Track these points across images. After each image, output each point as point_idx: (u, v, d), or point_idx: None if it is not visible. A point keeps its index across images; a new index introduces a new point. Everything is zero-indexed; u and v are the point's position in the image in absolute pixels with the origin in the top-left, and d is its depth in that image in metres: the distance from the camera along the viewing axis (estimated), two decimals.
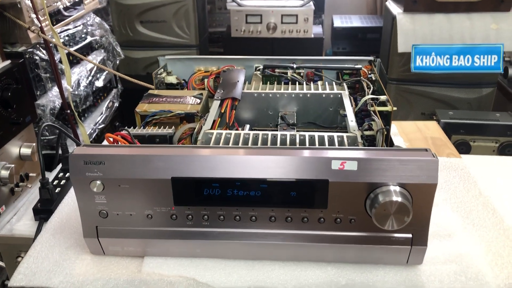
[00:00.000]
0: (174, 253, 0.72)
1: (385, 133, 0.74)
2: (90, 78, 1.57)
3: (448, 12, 1.89)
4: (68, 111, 1.37)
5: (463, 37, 1.86)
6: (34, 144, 1.16)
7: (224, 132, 0.75)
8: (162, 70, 1.03)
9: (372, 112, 0.80)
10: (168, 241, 0.70)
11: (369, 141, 0.76)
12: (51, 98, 1.33)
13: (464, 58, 1.87)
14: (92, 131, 1.56)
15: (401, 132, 1.11)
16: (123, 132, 0.74)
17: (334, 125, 0.88)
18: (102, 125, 1.62)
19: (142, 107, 0.86)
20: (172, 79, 1.03)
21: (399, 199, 0.62)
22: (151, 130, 0.78)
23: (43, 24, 1.32)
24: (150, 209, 0.68)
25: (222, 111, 0.85)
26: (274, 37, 2.50)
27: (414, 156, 0.64)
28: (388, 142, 0.82)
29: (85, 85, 1.53)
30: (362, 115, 0.85)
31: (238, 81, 0.91)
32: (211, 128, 0.79)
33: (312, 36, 2.51)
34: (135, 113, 0.86)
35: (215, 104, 0.86)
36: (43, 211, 0.90)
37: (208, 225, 0.69)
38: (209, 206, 0.67)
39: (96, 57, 1.67)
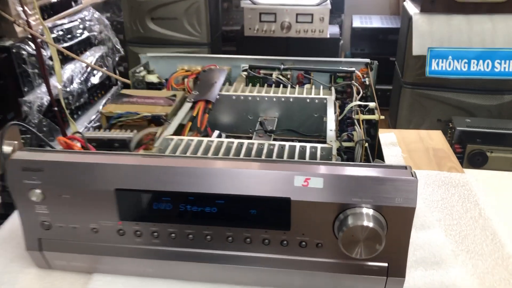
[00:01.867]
0: (123, 271, 0.65)
1: (365, 144, 0.65)
2: (85, 75, 1.52)
3: (468, 13, 1.77)
4: (56, 108, 1.32)
5: (483, 40, 1.74)
6: (16, 142, 1.11)
7: (185, 138, 0.68)
8: (142, 68, 0.97)
9: (355, 120, 0.71)
10: (116, 258, 0.63)
11: (349, 154, 0.68)
12: (39, 95, 1.28)
13: (483, 63, 1.75)
14: (86, 130, 1.50)
15: (401, 141, 1.01)
16: (76, 135, 0.67)
17: (318, 133, 0.80)
18: (98, 123, 1.56)
19: (108, 108, 0.79)
20: (152, 78, 0.96)
21: (370, 224, 0.53)
22: (111, 134, 0.71)
23: (33, 18, 1.27)
24: (95, 223, 0.61)
25: (194, 114, 0.77)
26: (289, 37, 2.41)
27: (391, 174, 0.55)
28: (375, 155, 0.73)
29: (79, 82, 1.48)
30: (348, 124, 0.76)
31: (215, 82, 0.84)
32: (178, 134, 0.71)
33: (328, 36, 2.41)
34: (100, 114, 0.79)
35: (186, 107, 0.78)
36: (4, 216, 0.84)
37: (159, 243, 0.62)
38: (158, 223, 0.60)
39: (95, 53, 1.62)
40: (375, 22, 2.86)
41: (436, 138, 1.04)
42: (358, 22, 2.86)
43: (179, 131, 0.73)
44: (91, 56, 1.54)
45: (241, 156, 0.65)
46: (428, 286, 0.64)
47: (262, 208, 0.57)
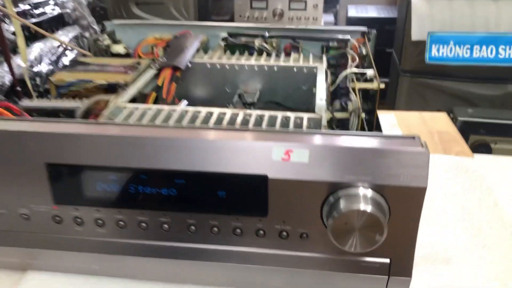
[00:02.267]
0: (63, 268, 0.53)
1: (363, 115, 0.53)
2: (57, 55, 1.39)
3: None
4: (19, 88, 1.19)
5: (487, 24, 1.63)
6: None
7: (141, 106, 0.55)
8: (106, 36, 0.84)
9: (351, 89, 0.59)
10: (53, 252, 0.51)
11: (342, 127, 0.56)
12: (0, 74, 1.16)
13: (487, 49, 1.64)
14: None
15: (402, 123, 0.90)
16: (9, 102, 0.55)
17: (306, 108, 0.68)
18: None
19: (59, 76, 0.67)
20: (119, 49, 0.84)
21: (368, 208, 0.41)
22: (56, 103, 0.59)
23: None
24: (25, 207, 0.49)
25: (159, 83, 0.65)
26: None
27: (395, 145, 0.43)
28: (373, 129, 0.61)
29: (49, 63, 1.35)
30: (342, 94, 0.64)
31: (187, 48, 0.71)
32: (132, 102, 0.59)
33: (322, 24, 2.29)
34: (48, 83, 0.67)
35: (149, 74, 0.66)
36: None
37: (105, 234, 0.49)
38: (103, 208, 0.48)
39: (68, 33, 1.49)
40: (371, 12, 2.74)
41: (441, 121, 0.92)
42: (354, 11, 2.74)
43: (140, 102, 0.61)
44: (63, 36, 1.41)
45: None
46: None
47: (232, 188, 0.45)
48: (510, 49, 1.62)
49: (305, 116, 0.53)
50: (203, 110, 0.55)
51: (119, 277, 0.53)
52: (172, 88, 0.65)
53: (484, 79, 1.73)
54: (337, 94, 0.66)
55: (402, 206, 0.43)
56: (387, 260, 0.47)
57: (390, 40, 2.26)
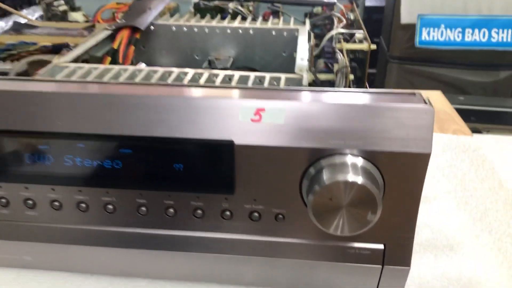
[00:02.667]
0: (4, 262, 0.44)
1: (351, 76, 0.45)
2: None
3: None
4: None
5: (479, 6, 1.56)
6: None
7: (87, 66, 0.46)
8: (62, 1, 0.75)
9: (337, 50, 0.51)
10: None
11: None
12: None
13: (479, 32, 1.56)
14: None
15: None
16: None
17: None
18: None
19: None
20: (77, 16, 0.75)
21: (359, 179, 0.33)
22: None
23: None
24: None
25: (115, 46, 0.56)
26: None
27: (393, 101, 0.35)
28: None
29: None
30: (327, 58, 0.56)
31: (149, 9, 0.62)
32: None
33: None
34: None
35: (102, 35, 0.57)
36: None
37: (37, 217, 0.40)
38: (32, 184, 0.39)
39: (34, 12, 1.38)
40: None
41: (436, 98, 0.84)
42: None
43: None
44: (29, 15, 1.30)
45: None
46: (439, 281, 0.43)
47: (191, 158, 0.36)
48: (503, 32, 1.55)
49: (283, 76, 0.45)
50: (160, 69, 0.46)
51: (52, 270, 0.43)
52: (130, 51, 0.56)
53: (475, 65, 1.66)
54: (321, 58, 0.57)
55: (400, 177, 0.35)
56: (381, 246, 0.38)
57: (378, 30, 2.19)
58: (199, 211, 0.38)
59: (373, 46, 0.52)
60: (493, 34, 1.55)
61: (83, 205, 0.39)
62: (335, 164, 0.34)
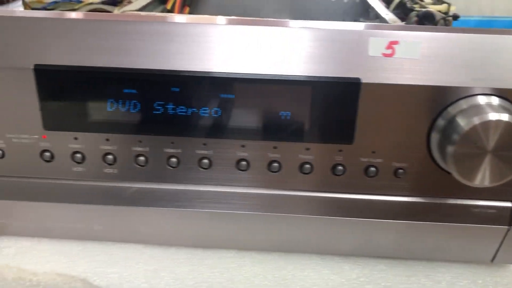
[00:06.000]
0: (52, 231, 0.38)
1: (451, 22, 0.42)
2: None
3: None
4: None
5: (480, 8, 1.57)
6: None
7: (159, 14, 0.41)
8: None
9: (417, 7, 0.47)
10: (38, 206, 0.36)
11: None
12: None
13: None
14: None
15: None
16: None
17: None
18: None
19: None
20: None
21: (505, 116, 0.29)
22: None
23: None
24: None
25: (168, 7, 0.51)
26: None
27: None
28: None
29: None
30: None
31: None
32: None
33: None
34: (23, 3, 0.51)
35: None
36: None
37: (117, 175, 0.35)
38: (117, 133, 0.34)
39: None
40: None
41: None
42: None
43: None
44: None
45: None
46: None
47: (301, 103, 0.32)
48: None
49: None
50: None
51: (130, 242, 0.38)
52: (185, 12, 0.52)
53: None
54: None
55: None
56: (509, 204, 0.35)
57: None
58: (307, 166, 0.34)
59: (453, 7, 0.49)
60: None
61: (174, 159, 0.34)
62: (479, 105, 0.30)
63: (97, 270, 0.35)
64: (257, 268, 0.36)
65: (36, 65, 0.31)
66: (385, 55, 0.31)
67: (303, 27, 0.31)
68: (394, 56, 0.31)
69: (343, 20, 0.58)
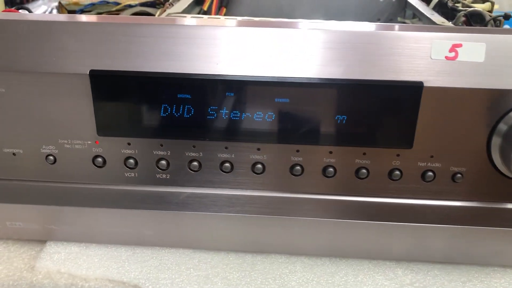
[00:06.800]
0: (100, 237, 0.38)
1: (503, 22, 0.41)
2: None
3: None
4: None
5: None
6: None
7: (205, 17, 0.41)
8: None
9: (460, 7, 0.46)
10: (88, 211, 0.36)
11: None
12: None
13: None
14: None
15: None
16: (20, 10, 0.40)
17: None
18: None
19: None
20: None
21: None
22: None
23: None
24: (51, 143, 0.34)
25: (205, 8, 0.50)
26: None
27: None
28: None
29: None
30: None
31: None
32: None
33: None
34: (59, 6, 0.51)
35: None
36: None
37: (169, 180, 0.35)
38: (168, 138, 0.33)
39: None
40: None
41: None
42: None
43: None
44: None
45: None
46: None
47: (361, 107, 0.31)
48: None
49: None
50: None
51: (181, 247, 0.38)
52: (221, 13, 0.51)
53: None
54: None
55: None
56: None
57: None
58: (364, 171, 0.33)
59: (496, 5, 0.48)
60: None
61: (228, 164, 0.34)
62: None
63: (149, 276, 0.35)
64: (309, 274, 0.36)
65: (91, 71, 0.31)
66: (448, 58, 0.30)
67: (367, 30, 0.30)
68: (457, 60, 0.30)
69: (378, 19, 0.57)
